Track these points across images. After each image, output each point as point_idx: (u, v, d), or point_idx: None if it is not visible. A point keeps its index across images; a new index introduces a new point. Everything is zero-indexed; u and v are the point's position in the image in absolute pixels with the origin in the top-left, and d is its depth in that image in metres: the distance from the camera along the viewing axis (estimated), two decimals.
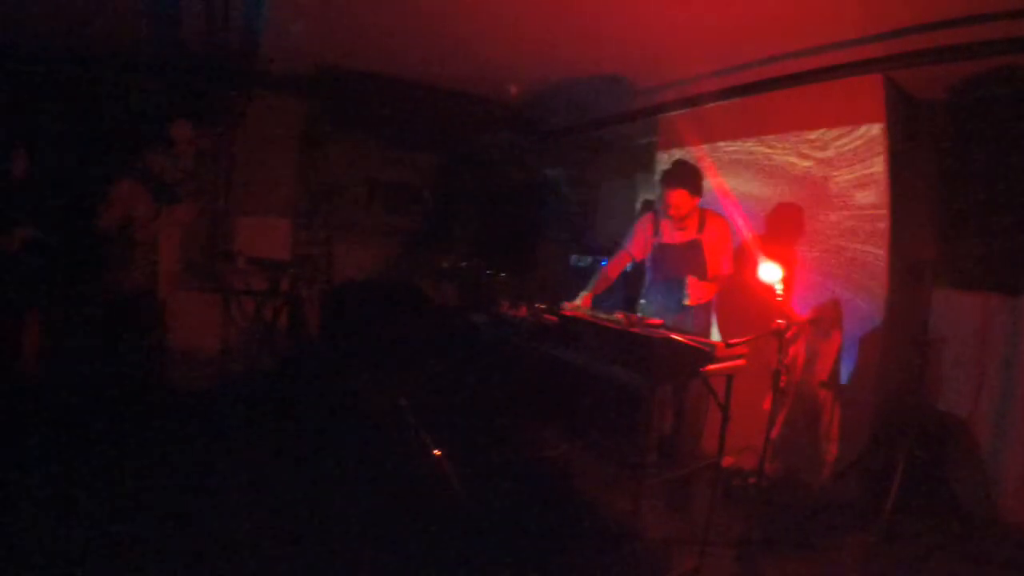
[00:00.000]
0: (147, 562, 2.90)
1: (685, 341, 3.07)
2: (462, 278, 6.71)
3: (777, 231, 4.75)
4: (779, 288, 3.47)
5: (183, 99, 5.76)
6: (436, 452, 3.96)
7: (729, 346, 3.10)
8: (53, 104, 5.62)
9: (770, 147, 4.93)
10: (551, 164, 7.32)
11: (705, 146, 5.33)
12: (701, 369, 3.06)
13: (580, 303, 4.06)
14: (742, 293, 4.38)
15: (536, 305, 3.95)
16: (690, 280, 3.87)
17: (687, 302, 3.91)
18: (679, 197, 3.97)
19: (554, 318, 3.68)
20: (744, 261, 4.42)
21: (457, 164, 7.77)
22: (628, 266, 4.45)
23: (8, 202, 4.68)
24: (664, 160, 5.59)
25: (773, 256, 3.59)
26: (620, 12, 4.27)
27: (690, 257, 4.11)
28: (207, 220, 6.10)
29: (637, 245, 4.35)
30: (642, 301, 4.37)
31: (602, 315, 3.51)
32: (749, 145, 5.07)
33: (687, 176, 4.02)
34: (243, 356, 5.89)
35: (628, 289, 4.61)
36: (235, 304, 5.99)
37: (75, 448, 3.94)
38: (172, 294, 4.76)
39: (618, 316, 3.43)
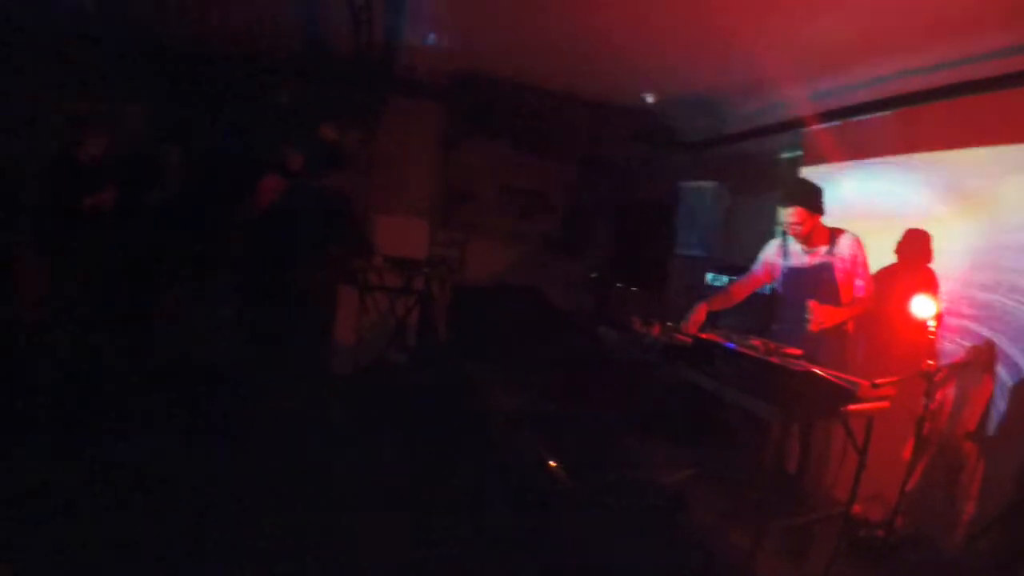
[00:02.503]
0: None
1: (826, 376, 2.93)
2: (593, 289, 6.69)
3: (927, 260, 4.42)
4: (932, 325, 3.24)
5: (329, 103, 6.10)
6: (552, 464, 3.96)
7: (875, 386, 2.93)
8: (210, 103, 6.11)
9: (924, 166, 4.53)
10: (689, 177, 7.15)
11: (853, 163, 5.04)
12: (841, 408, 2.92)
13: (693, 317, 3.97)
14: (886, 325, 4.11)
15: (669, 324, 3.91)
16: (811, 304, 3.62)
17: (808, 327, 3.65)
18: (797, 215, 3.82)
19: (687, 339, 3.61)
20: (889, 291, 4.16)
21: (592, 173, 7.78)
22: (766, 289, 4.29)
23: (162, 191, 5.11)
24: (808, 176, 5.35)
25: (921, 288, 3.36)
26: (763, 19, 4.15)
27: (820, 280, 3.89)
28: (348, 218, 6.36)
29: (765, 268, 4.23)
30: (773, 327, 4.19)
31: (738, 339, 3.39)
32: (901, 163, 4.69)
33: (805, 193, 3.87)
34: (375, 348, 6.11)
35: (765, 315, 4.42)
36: (370, 299, 6.22)
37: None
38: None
39: (755, 343, 3.30)
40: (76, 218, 4.59)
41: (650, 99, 6.28)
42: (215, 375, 4.96)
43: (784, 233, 4.09)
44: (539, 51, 5.47)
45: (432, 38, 5.28)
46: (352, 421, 4.84)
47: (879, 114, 4.80)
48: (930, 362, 3.13)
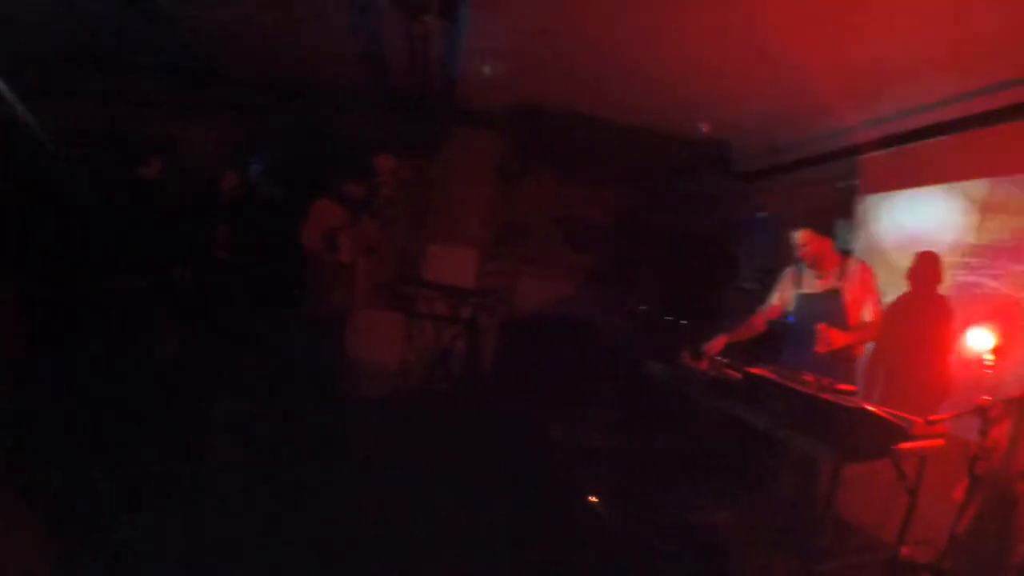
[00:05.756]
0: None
1: (879, 414, 2.92)
2: (642, 322, 6.68)
3: (936, 285, 4.46)
4: (989, 358, 3.20)
5: (385, 133, 6.26)
6: (592, 498, 3.96)
7: (929, 423, 2.91)
8: (267, 135, 6.32)
9: (1004, 190, 4.26)
10: (744, 208, 7.13)
11: (917, 190, 4.95)
12: (894, 446, 2.90)
13: (710, 348, 4.09)
14: (901, 357, 4.18)
15: (718, 358, 3.94)
16: (820, 327, 3.67)
17: (816, 348, 3.69)
18: (805, 237, 3.93)
19: (737, 374, 3.61)
20: (902, 320, 4.22)
21: (646, 204, 7.73)
22: (782, 318, 4.33)
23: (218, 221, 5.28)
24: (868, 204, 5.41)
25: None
26: (814, 44, 4.14)
27: (828, 306, 3.94)
28: (400, 245, 6.54)
29: (780, 297, 4.30)
30: (783, 354, 4.18)
31: (789, 375, 3.39)
32: (974, 188, 4.47)
33: (813, 215, 4.02)
34: (420, 374, 6.20)
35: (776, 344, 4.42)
36: (417, 326, 6.31)
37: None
38: (360, 312, 5.20)
39: (807, 378, 3.29)
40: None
41: (705, 129, 6.26)
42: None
43: (798, 260, 4.16)
44: (595, 83, 5.51)
45: (489, 70, 5.38)
46: (387, 447, 4.83)
47: (938, 139, 4.69)
48: (986, 397, 3.08)
